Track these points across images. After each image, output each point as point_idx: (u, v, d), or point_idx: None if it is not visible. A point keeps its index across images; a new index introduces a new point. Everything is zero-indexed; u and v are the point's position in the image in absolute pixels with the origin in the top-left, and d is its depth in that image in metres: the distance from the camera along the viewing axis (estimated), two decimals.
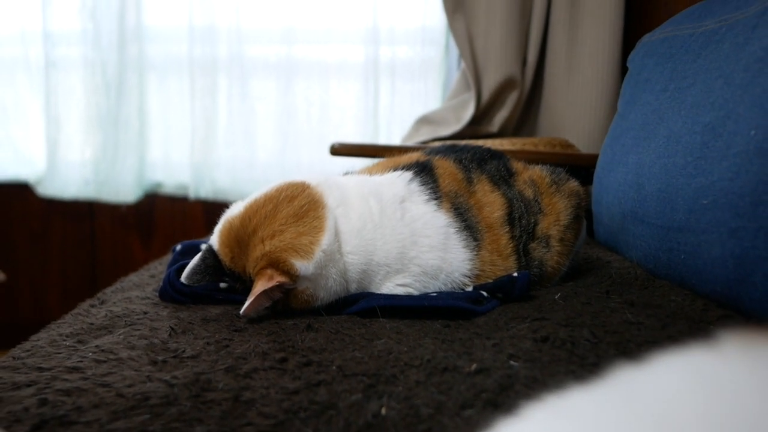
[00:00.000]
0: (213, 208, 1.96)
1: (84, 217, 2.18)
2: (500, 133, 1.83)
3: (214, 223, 0.79)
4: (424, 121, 1.85)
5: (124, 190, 2.07)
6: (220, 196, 2.00)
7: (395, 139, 2.01)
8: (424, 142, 1.75)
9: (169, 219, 2.16)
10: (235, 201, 0.80)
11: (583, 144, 1.70)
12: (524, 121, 1.90)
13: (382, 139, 2.02)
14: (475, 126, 1.82)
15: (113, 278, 0.96)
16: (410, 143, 1.78)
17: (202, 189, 2.05)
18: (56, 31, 2.06)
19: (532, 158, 0.99)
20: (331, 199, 0.75)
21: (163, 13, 2.08)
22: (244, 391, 0.53)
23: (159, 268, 1.04)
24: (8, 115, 2.16)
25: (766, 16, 0.81)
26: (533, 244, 0.85)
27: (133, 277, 0.98)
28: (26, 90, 2.15)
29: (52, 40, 2.06)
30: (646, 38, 1.25)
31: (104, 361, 0.59)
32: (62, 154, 2.10)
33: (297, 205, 0.72)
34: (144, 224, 2.18)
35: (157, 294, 0.82)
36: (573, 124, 1.73)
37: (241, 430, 0.47)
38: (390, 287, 0.76)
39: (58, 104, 2.08)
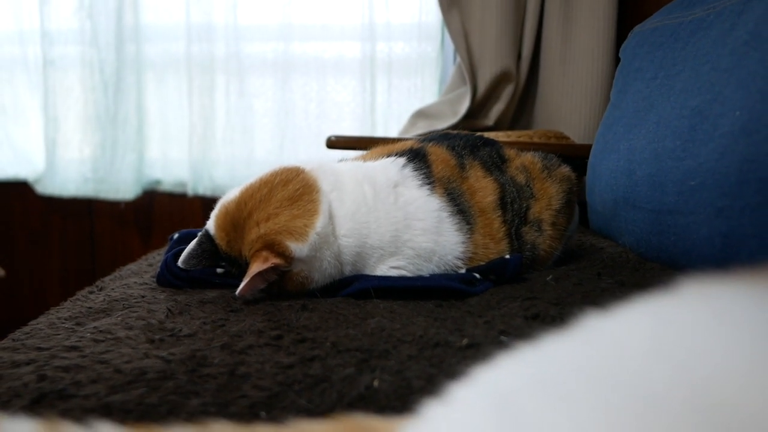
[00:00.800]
0: (211, 205, 1.97)
1: (83, 214, 2.20)
2: (496, 126, 1.84)
3: None
4: (420, 115, 1.87)
5: (123, 188, 2.08)
6: (219, 193, 2.00)
7: (392, 134, 2.02)
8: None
9: (167, 216, 2.17)
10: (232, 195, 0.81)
11: (578, 135, 1.71)
12: (520, 114, 1.91)
13: (380, 134, 2.04)
14: (472, 119, 1.83)
15: None
16: (407, 137, 1.79)
17: (201, 186, 2.07)
18: (54, 30, 2.07)
19: (527, 148, 1.00)
20: (325, 184, 0.76)
21: (160, 12, 2.09)
22: (239, 366, 0.54)
23: (157, 258, 1.06)
24: (7, 115, 2.17)
25: (752, 1, 0.82)
26: (525, 228, 0.86)
27: (131, 266, 0.99)
28: (25, 89, 2.16)
29: (50, 39, 2.07)
30: (638, 29, 1.26)
31: (102, 341, 0.60)
32: (61, 153, 2.11)
33: (291, 189, 0.73)
34: (143, 221, 2.19)
35: (155, 279, 0.83)
36: (568, 116, 1.74)
37: (237, 402, 0.48)
38: (384, 270, 0.77)
39: (56, 103, 2.09)
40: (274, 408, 0.47)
